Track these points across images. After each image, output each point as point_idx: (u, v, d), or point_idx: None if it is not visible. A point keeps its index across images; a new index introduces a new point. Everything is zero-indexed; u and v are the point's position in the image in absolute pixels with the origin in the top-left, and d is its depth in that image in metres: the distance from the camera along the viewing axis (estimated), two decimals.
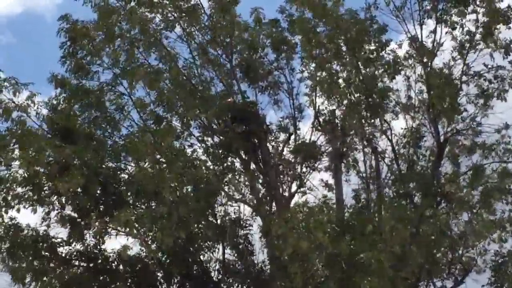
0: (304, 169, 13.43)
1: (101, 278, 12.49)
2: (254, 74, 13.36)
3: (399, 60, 12.46)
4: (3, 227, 11.91)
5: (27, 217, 12.26)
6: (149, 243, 11.97)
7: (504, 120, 12.11)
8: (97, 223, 12.01)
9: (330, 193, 13.21)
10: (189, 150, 12.85)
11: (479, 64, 12.22)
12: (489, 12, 11.88)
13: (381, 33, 12.38)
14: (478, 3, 12.05)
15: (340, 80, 12.70)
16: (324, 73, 12.65)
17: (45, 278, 12.09)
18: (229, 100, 13.31)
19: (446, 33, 12.29)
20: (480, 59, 12.18)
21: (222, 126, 12.87)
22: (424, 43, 12.26)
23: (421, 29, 12.27)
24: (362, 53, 12.33)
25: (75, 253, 12.54)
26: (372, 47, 12.39)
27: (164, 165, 11.67)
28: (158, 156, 11.82)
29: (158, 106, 12.91)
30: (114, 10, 12.40)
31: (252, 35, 13.35)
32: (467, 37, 12.13)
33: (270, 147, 13.42)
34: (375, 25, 12.33)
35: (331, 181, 13.48)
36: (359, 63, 12.38)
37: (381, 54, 12.39)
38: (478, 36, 12.09)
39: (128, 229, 11.41)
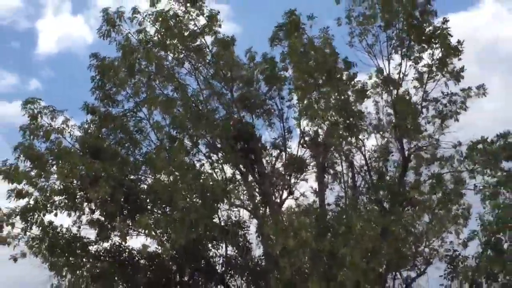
0: (293, 180, 13.94)
1: (125, 271, 12.97)
2: (250, 104, 13.90)
3: (367, 88, 13.10)
4: (42, 229, 12.47)
5: (63, 220, 12.91)
6: (165, 242, 12.35)
7: (458, 137, 12.81)
8: (121, 226, 12.54)
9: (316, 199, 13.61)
10: (197, 165, 13.33)
11: (437, 91, 12.88)
12: (444, 48, 12.58)
13: (348, 67, 12.98)
14: (435, 40, 12.69)
15: (323, 105, 12.98)
16: (308, 100, 12.93)
17: (78, 272, 12.62)
18: (234, 119, 13.69)
19: (409, 66, 12.89)
20: (438, 87, 12.85)
21: (228, 145, 13.23)
22: (391, 74, 12.92)
23: (389, 63, 12.93)
24: (340, 83, 12.80)
25: (102, 251, 13.05)
26: (349, 77, 13.02)
27: (177, 177, 12.07)
28: (172, 170, 12.23)
29: (172, 128, 13.44)
30: (135, 50, 13.11)
31: (248, 72, 13.84)
32: (426, 69, 12.79)
33: (265, 162, 13.87)
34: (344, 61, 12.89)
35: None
36: (338, 91, 12.84)
37: (352, 83, 12.98)
38: (434, 68, 12.71)
39: (147, 231, 11.90)
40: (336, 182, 14.02)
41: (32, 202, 12.34)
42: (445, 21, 12.52)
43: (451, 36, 12.38)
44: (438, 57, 12.70)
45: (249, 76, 13.96)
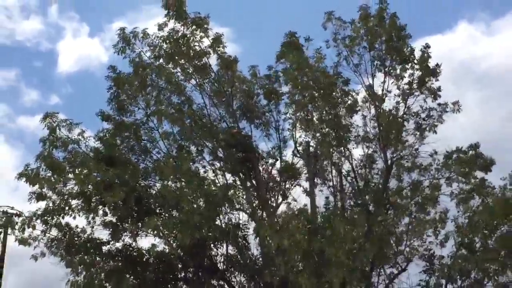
0: (287, 186, 14.02)
1: (135, 269, 12.96)
2: (250, 115, 14.07)
3: (357, 103, 13.44)
4: (60, 231, 12.61)
5: (79, 222, 12.98)
6: (171, 242, 12.44)
7: (436, 147, 13.17)
8: (132, 227, 12.66)
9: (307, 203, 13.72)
10: (201, 172, 13.48)
11: (417, 105, 13.27)
12: (423, 69, 13.11)
13: (345, 84, 13.42)
14: (415, 61, 13.23)
15: (315, 118, 13.41)
16: (302, 114, 13.40)
17: (93, 269, 12.61)
18: (234, 130, 13.80)
19: (392, 83, 13.32)
20: (417, 102, 13.26)
21: (229, 154, 13.45)
22: (375, 91, 13.29)
23: (373, 80, 13.36)
24: (331, 98, 13.19)
25: (115, 250, 13.04)
26: (338, 95, 13.32)
27: (183, 183, 12.30)
28: (179, 176, 12.44)
29: (179, 138, 13.63)
30: (146, 66, 13.42)
31: (249, 86, 14.03)
32: (407, 86, 13.22)
33: (262, 169, 13.98)
34: (340, 78, 13.29)
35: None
36: (329, 106, 13.18)
37: (344, 99, 13.34)
38: (415, 85, 13.17)
39: (155, 232, 12.03)
40: (326, 187, 14.15)
41: (51, 205, 12.48)
42: (427, 46, 12.96)
43: (430, 57, 12.88)
44: (417, 76, 13.12)
45: (250, 90, 14.11)
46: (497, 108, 34.77)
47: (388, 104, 13.20)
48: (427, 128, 13.06)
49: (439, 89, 12.99)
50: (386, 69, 13.22)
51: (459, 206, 13.43)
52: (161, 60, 13.49)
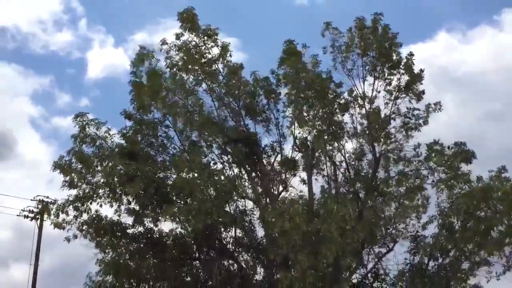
0: (287, 176, 14.65)
1: (155, 249, 13.66)
2: (253, 113, 14.74)
3: (349, 103, 14.11)
4: (90, 217, 13.34)
5: (106, 210, 13.66)
6: (186, 226, 13.04)
7: (419, 142, 13.83)
8: (152, 214, 13.31)
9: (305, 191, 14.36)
10: (212, 164, 14.09)
11: (403, 106, 13.92)
12: (409, 74, 13.77)
13: (337, 87, 14.14)
14: (402, 67, 13.89)
15: (311, 116, 14.04)
16: (299, 112, 14.08)
17: (118, 250, 13.41)
18: (240, 129, 14.51)
19: (380, 86, 13.97)
20: (404, 104, 13.94)
21: (235, 149, 14.12)
22: (366, 93, 13.94)
23: (364, 83, 14.01)
24: (325, 99, 13.87)
25: (138, 233, 13.70)
26: (331, 96, 14.00)
27: (196, 175, 12.87)
28: (192, 169, 12.99)
29: (191, 134, 14.37)
30: (163, 73, 14.22)
31: (252, 89, 14.70)
32: (394, 89, 13.87)
33: (265, 162, 14.62)
34: (333, 82, 13.95)
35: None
36: (323, 105, 13.83)
37: (337, 100, 14.03)
38: (402, 88, 13.81)
39: (172, 218, 12.73)
40: (321, 177, 14.74)
41: (81, 193, 13.17)
42: (411, 54, 13.59)
43: (414, 64, 13.49)
44: (404, 81, 13.73)
45: (254, 91, 14.68)
46: (473, 108, 36.70)
47: (377, 104, 13.88)
48: (413, 127, 13.66)
49: (423, 92, 13.61)
50: (376, 74, 13.85)
51: (442, 192, 14.13)
52: (175, 68, 14.17)
